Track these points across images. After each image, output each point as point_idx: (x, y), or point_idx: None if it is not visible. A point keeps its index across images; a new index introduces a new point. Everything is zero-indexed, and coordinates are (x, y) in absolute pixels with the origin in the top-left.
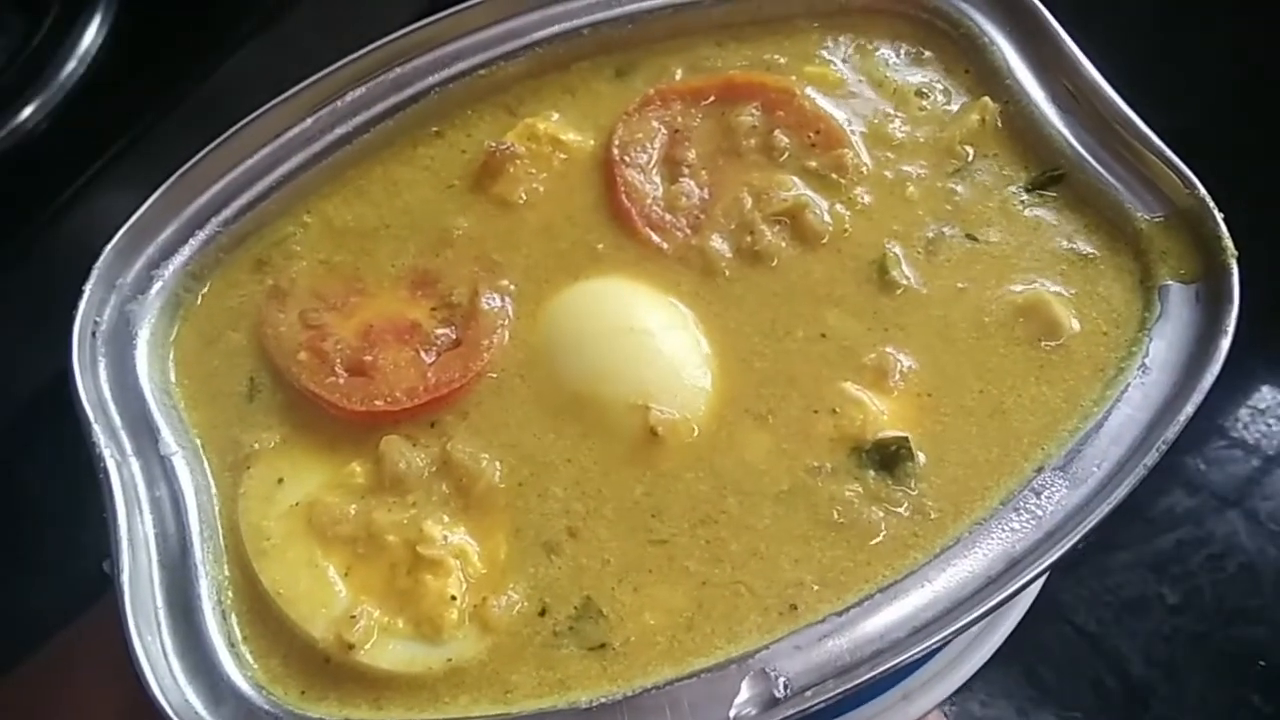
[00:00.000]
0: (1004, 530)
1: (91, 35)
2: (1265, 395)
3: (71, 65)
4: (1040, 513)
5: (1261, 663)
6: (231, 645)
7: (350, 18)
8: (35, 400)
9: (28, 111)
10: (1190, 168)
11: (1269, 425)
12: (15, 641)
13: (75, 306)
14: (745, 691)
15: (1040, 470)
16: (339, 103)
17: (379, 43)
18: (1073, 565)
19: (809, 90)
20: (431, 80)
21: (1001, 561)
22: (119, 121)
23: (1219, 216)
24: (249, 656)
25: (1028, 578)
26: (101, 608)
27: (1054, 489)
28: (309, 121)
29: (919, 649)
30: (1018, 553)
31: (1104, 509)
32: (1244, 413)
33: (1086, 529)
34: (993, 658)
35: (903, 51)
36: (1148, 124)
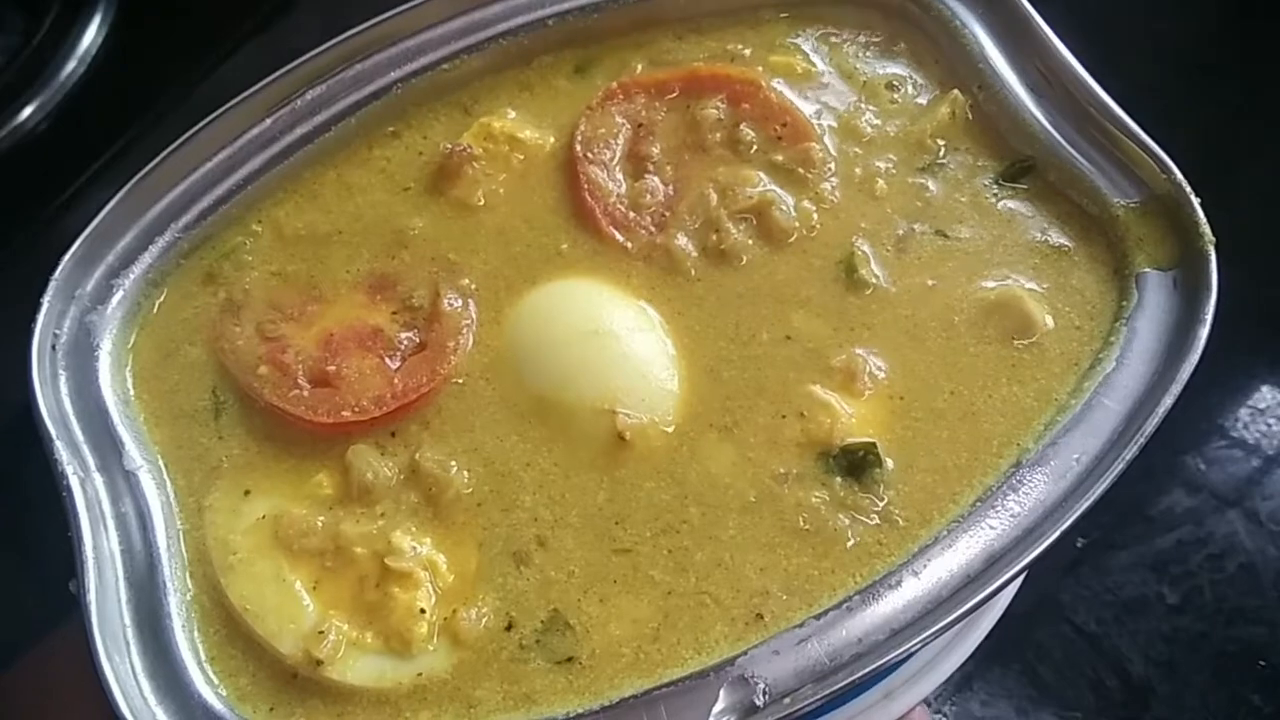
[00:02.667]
0: (982, 528)
1: (91, 35)
2: (1265, 395)
3: (71, 65)
4: (1019, 509)
5: (1261, 662)
6: (200, 663)
7: (347, 18)
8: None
9: (28, 111)
10: (1166, 152)
11: (1269, 425)
12: None
13: (33, 319)
14: (724, 699)
15: (1017, 466)
16: (298, 102)
17: (339, 38)
18: (1072, 565)
19: (775, 82)
20: (393, 76)
21: (981, 560)
22: (119, 121)
23: (1196, 202)
24: (217, 675)
25: (1007, 575)
26: (72, 627)
27: (1032, 484)
28: (268, 122)
29: (899, 651)
30: (997, 550)
31: (1084, 503)
32: (1244, 412)
33: (1067, 524)
34: (993, 657)
35: (872, 42)
36: (1123, 107)
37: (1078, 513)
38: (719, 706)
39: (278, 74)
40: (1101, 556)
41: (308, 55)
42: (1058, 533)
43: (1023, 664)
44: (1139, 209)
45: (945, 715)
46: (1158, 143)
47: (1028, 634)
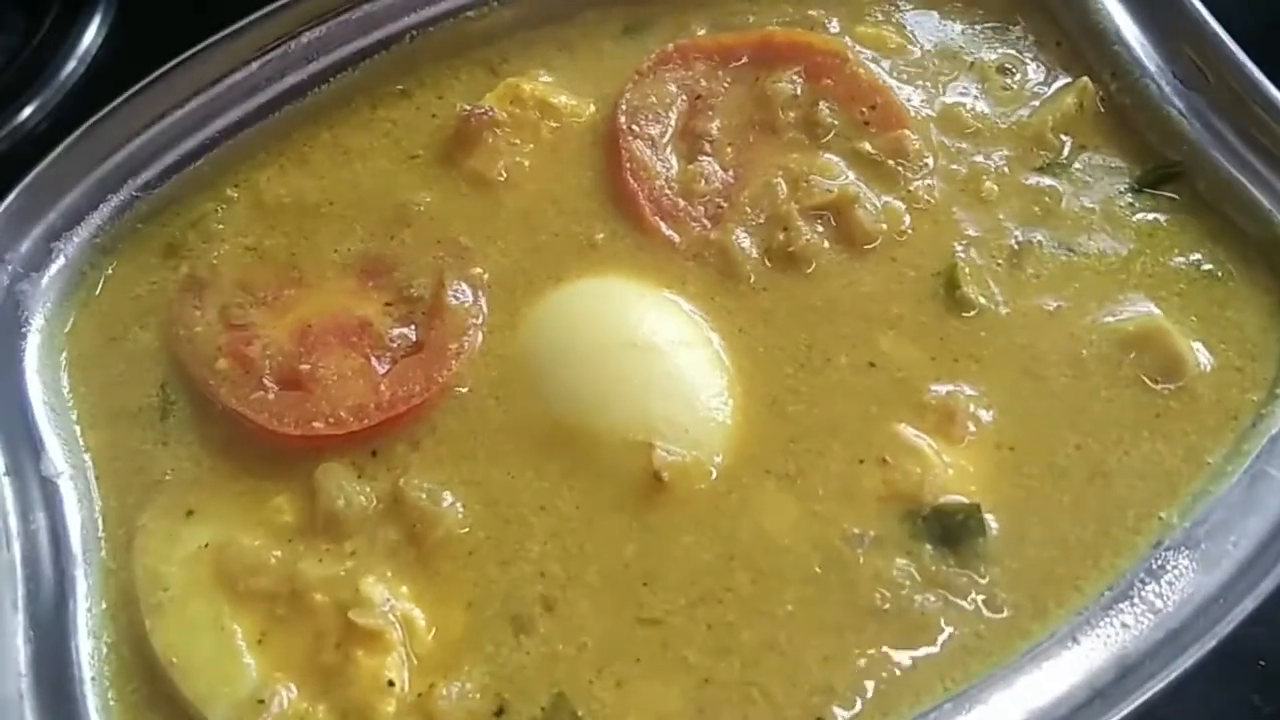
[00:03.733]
0: (1113, 625)
1: (91, 36)
2: None
3: (71, 65)
4: (1161, 604)
5: (1261, 662)
6: None
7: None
8: None
9: (28, 111)
10: None
11: None
12: None
13: None
14: None
15: (1158, 545)
16: (292, 45)
17: None
18: None
19: (864, 56)
20: (407, 22)
21: (1112, 669)
22: None
23: None
24: None
25: (1148, 691)
26: None
27: (1177, 571)
28: (254, 66)
29: None
30: (1133, 656)
31: (1247, 603)
32: None
33: (1226, 629)
34: None
35: (982, 17)
36: None
37: (1241, 613)
38: None
39: (269, 7)
40: None
41: None
42: (1214, 640)
43: None
44: None
45: None
46: None
47: None
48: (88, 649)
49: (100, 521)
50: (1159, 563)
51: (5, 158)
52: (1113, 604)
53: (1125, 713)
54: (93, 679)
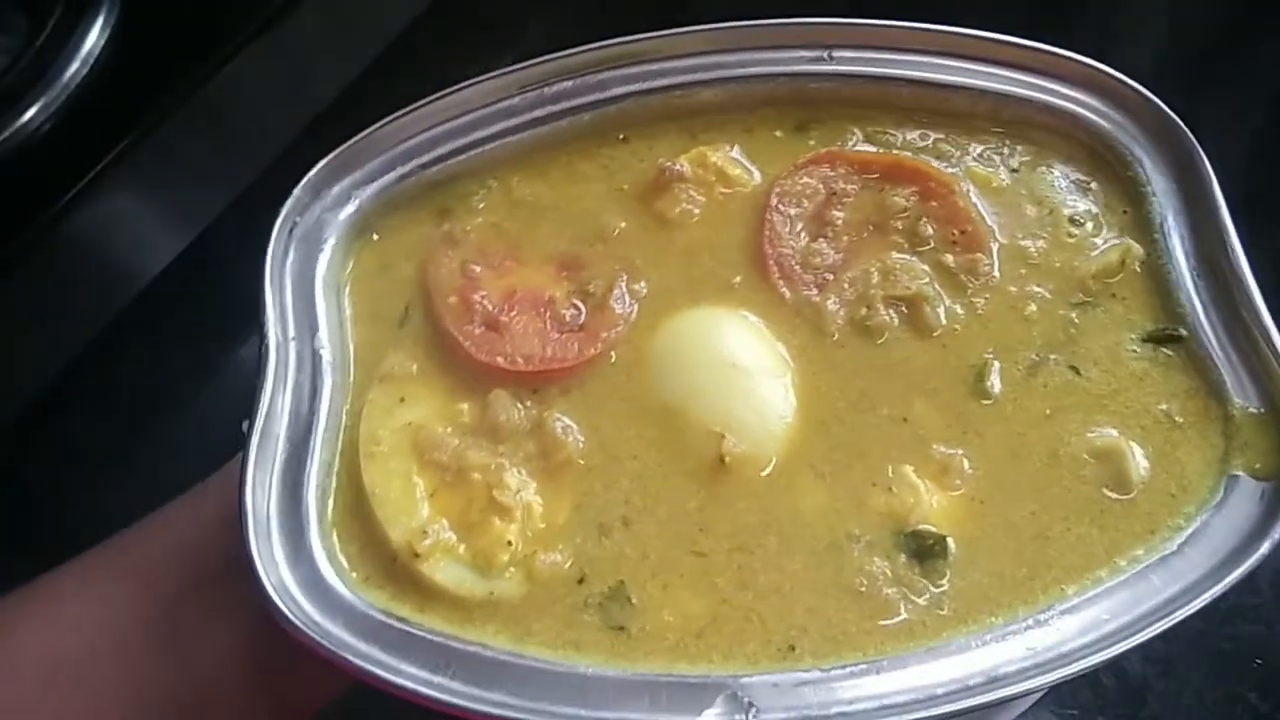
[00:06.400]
0: (1000, 649)
1: (94, 37)
2: None
3: (74, 67)
4: (1037, 645)
5: (1258, 661)
6: (322, 521)
7: (352, 21)
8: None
9: (31, 113)
10: None
11: None
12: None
13: (281, 203)
14: (718, 707)
15: (1051, 608)
16: (546, 89)
17: (589, 46)
18: None
19: (969, 189)
20: (631, 89)
21: (982, 676)
22: (122, 123)
23: None
24: (335, 534)
25: (992, 697)
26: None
27: (1058, 629)
28: (516, 100)
29: None
30: (1000, 675)
31: (1070, 667)
32: None
33: (1050, 680)
34: None
35: (1071, 176)
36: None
37: (1062, 673)
38: (709, 711)
39: (531, 62)
40: None
41: (560, 54)
42: (1039, 681)
43: None
44: (1257, 417)
45: None
46: None
47: None
48: (318, 464)
49: (346, 387)
50: (1048, 618)
51: (9, 158)
52: (1024, 630)
53: (971, 703)
54: (316, 486)
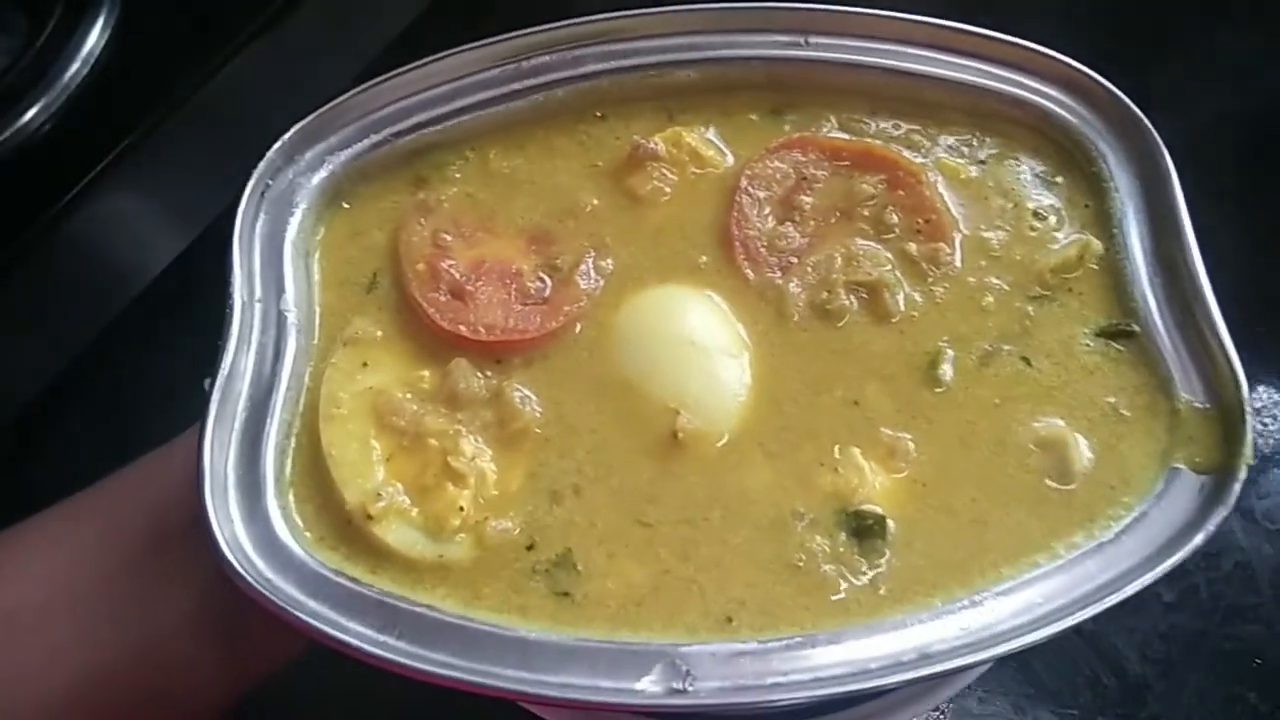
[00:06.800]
0: (933, 627)
1: (94, 37)
2: (1261, 394)
3: (75, 67)
4: (969, 626)
5: (1258, 660)
6: (278, 480)
7: (352, 20)
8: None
9: (31, 113)
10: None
11: (1264, 424)
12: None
13: (255, 165)
14: (654, 674)
15: (987, 590)
16: (523, 63)
17: (566, 22)
18: None
19: (936, 180)
20: (606, 66)
21: (914, 653)
22: (122, 123)
23: (1251, 423)
24: (291, 495)
25: (923, 673)
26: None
27: (992, 610)
28: (494, 72)
29: (811, 696)
30: (932, 653)
31: (1001, 647)
32: None
33: (980, 658)
34: None
35: (1038, 170)
36: (1226, 313)
37: (991, 651)
38: (647, 678)
39: (507, 36)
40: None
41: (533, 29)
42: (969, 659)
43: (1020, 661)
44: (1202, 412)
45: (943, 713)
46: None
47: None
48: (278, 424)
49: (310, 350)
50: (982, 600)
51: (9, 159)
52: (940, 615)
53: (903, 678)
54: (275, 445)
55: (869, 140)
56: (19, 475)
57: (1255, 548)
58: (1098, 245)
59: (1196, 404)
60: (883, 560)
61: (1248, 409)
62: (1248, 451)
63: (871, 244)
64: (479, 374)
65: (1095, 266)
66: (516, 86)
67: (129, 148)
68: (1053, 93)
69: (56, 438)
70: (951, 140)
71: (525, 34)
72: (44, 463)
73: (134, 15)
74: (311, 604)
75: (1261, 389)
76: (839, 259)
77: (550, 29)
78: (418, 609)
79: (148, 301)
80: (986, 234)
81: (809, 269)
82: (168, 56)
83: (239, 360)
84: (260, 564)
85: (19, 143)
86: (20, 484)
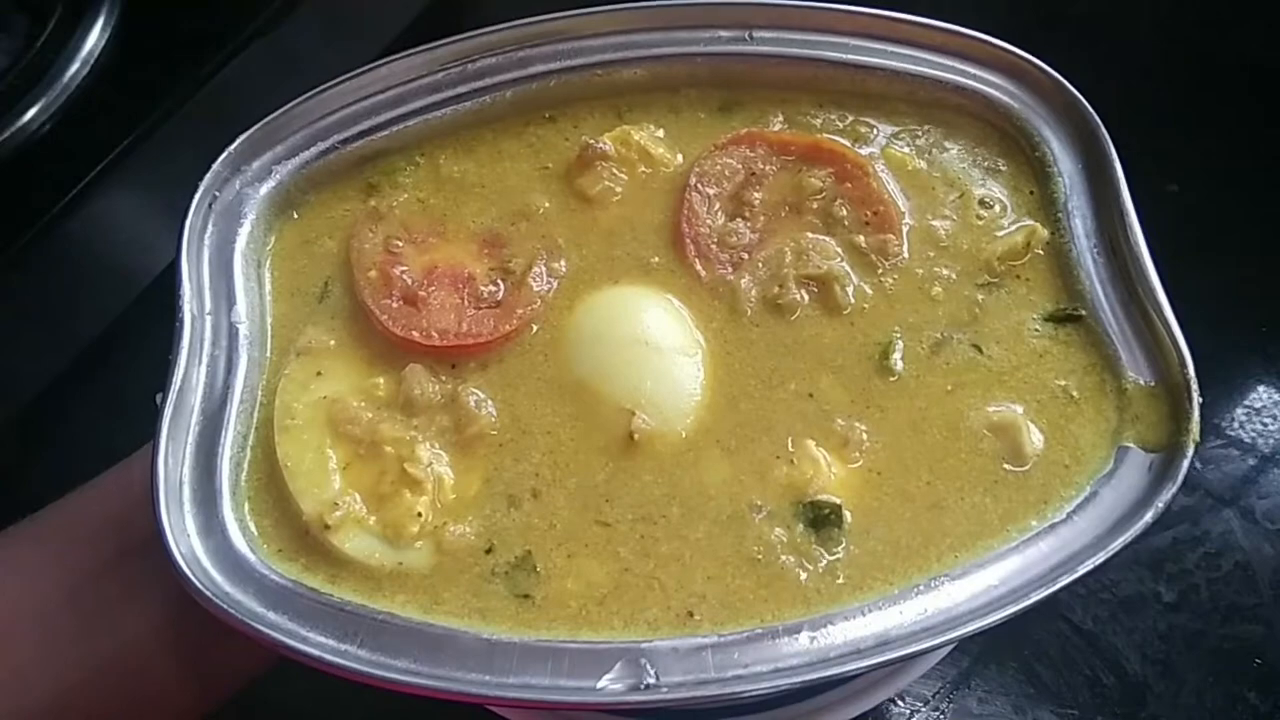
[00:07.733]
0: (890, 614)
1: (95, 37)
2: (1261, 395)
3: (75, 67)
4: (926, 610)
5: (1257, 660)
6: (234, 493)
7: (351, 21)
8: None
9: (31, 113)
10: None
11: (1265, 424)
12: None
13: (201, 177)
14: (617, 671)
15: (944, 575)
16: (469, 65)
17: (508, 24)
18: None
19: (883, 171)
20: (552, 66)
21: (873, 640)
22: (122, 123)
23: (1197, 400)
24: (248, 509)
25: (883, 659)
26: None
27: (948, 595)
28: (440, 75)
29: (773, 686)
30: (892, 638)
31: (958, 631)
32: (1240, 412)
33: (938, 642)
34: (989, 655)
35: (983, 158)
36: (1171, 292)
37: (948, 635)
38: (609, 676)
39: (451, 39)
40: None
41: (479, 31)
42: (927, 644)
43: (1020, 661)
44: (1149, 390)
45: (943, 713)
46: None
47: (1025, 632)
48: (231, 439)
49: (262, 361)
50: (938, 584)
51: (9, 159)
52: (915, 596)
53: (866, 664)
54: (230, 458)
55: (817, 134)
56: (19, 475)
57: (1255, 548)
58: (1043, 231)
59: (1143, 382)
60: (840, 549)
61: (1193, 386)
62: (1195, 428)
63: (821, 237)
64: (434, 379)
65: (1041, 252)
66: (464, 89)
67: (129, 148)
68: (995, 79)
69: (56, 438)
70: (897, 130)
71: (471, 36)
72: (44, 462)
73: (134, 15)
74: (271, 615)
75: (1261, 389)
76: (789, 253)
77: (495, 30)
78: (378, 616)
79: (148, 301)
80: (934, 223)
81: (760, 264)
82: (168, 56)
83: (190, 374)
84: (218, 577)
85: (19, 143)
86: (20, 484)
